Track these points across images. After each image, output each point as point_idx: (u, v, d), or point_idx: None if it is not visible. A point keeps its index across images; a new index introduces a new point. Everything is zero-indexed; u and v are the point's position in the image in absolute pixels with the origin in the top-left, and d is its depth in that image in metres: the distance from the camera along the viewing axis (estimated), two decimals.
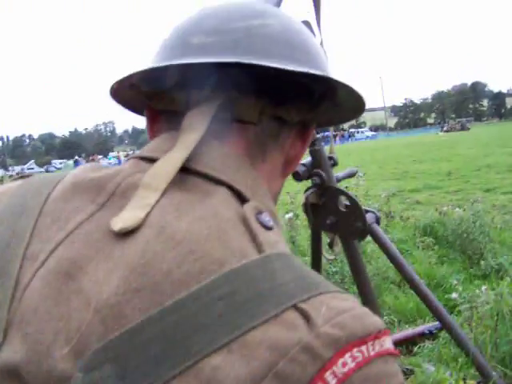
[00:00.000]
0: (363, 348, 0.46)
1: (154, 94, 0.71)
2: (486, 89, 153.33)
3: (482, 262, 4.42)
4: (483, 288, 2.85)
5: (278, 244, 0.56)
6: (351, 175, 2.21)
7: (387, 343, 0.49)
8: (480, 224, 5.04)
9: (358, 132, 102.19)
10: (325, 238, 2.15)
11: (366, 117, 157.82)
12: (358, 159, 22.62)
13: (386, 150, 32.25)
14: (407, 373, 2.33)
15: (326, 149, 2.02)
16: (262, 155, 0.70)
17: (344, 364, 0.45)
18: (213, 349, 0.44)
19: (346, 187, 6.70)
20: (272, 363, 0.44)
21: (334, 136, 76.89)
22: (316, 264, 2.23)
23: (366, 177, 11.93)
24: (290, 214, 5.28)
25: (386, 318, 3.56)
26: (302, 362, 0.44)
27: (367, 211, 2.00)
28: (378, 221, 2.04)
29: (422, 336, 3.24)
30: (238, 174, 0.63)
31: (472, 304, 2.74)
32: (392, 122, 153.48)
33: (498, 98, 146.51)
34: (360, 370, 0.45)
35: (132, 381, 0.44)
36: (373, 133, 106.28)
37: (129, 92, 0.75)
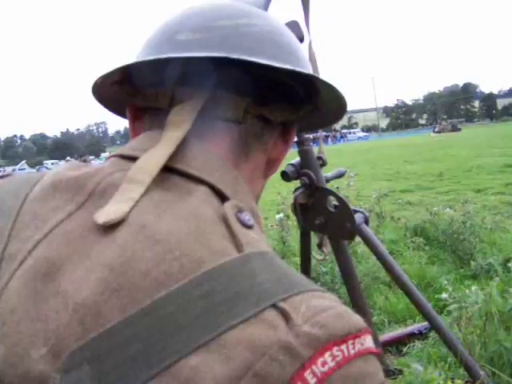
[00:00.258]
0: (343, 347, 0.46)
1: (136, 91, 0.71)
2: (477, 90, 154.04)
3: (472, 263, 4.42)
4: (473, 288, 2.85)
5: (258, 243, 0.56)
6: (340, 176, 2.21)
7: (368, 342, 0.49)
8: (470, 224, 5.06)
9: (350, 133, 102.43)
10: (314, 238, 2.16)
11: (357, 117, 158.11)
12: (350, 160, 22.68)
13: (377, 150, 32.29)
14: (396, 373, 2.33)
15: (315, 149, 2.02)
16: (245, 154, 0.70)
17: (324, 363, 0.44)
18: (192, 348, 0.44)
19: (338, 187, 6.72)
20: (251, 363, 0.43)
21: (327, 136, 77.14)
22: (305, 264, 2.24)
23: (358, 177, 11.95)
24: (281, 215, 5.27)
25: (376, 318, 3.57)
26: (281, 362, 0.44)
27: (356, 211, 2.00)
28: (366, 221, 2.04)
29: (412, 336, 3.25)
30: (219, 172, 0.63)
31: (461, 304, 2.74)
32: (384, 122, 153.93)
33: (489, 99, 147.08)
34: (340, 369, 0.45)
35: (109, 381, 0.44)
36: (365, 133, 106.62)
37: (110, 90, 0.74)
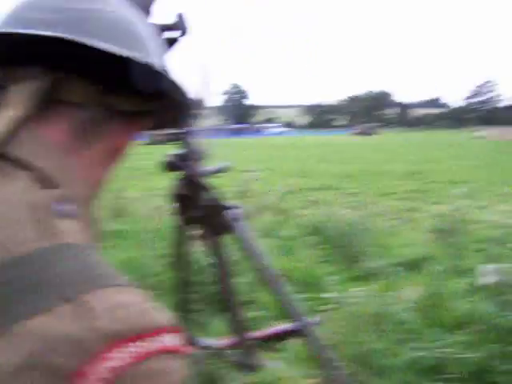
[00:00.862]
0: (139, 344, 0.46)
1: None
2: (394, 98, 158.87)
3: (361, 264, 4.54)
4: (354, 290, 2.94)
5: (73, 234, 0.55)
6: (222, 170, 2.22)
7: (170, 340, 0.49)
8: (365, 227, 5.21)
9: (268, 127, 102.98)
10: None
11: (278, 112, 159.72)
12: (265, 154, 22.87)
13: (294, 147, 32.75)
14: (253, 369, 2.36)
15: (203, 142, 2.03)
16: (87, 141, 0.68)
17: (116, 359, 0.44)
18: None
19: (246, 180, 6.75)
20: (40, 354, 0.43)
21: (245, 129, 77.51)
22: (178, 255, 2.23)
23: (271, 173, 12.07)
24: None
25: (259, 313, 3.60)
26: (69, 354, 0.43)
27: (231, 207, 2.02)
28: (241, 217, 2.06)
29: (292, 333, 3.30)
30: (47, 159, 0.61)
31: (337, 305, 2.83)
32: (304, 120, 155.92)
33: (405, 107, 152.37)
34: (133, 366, 0.45)
35: None
36: (284, 129, 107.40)
37: None
